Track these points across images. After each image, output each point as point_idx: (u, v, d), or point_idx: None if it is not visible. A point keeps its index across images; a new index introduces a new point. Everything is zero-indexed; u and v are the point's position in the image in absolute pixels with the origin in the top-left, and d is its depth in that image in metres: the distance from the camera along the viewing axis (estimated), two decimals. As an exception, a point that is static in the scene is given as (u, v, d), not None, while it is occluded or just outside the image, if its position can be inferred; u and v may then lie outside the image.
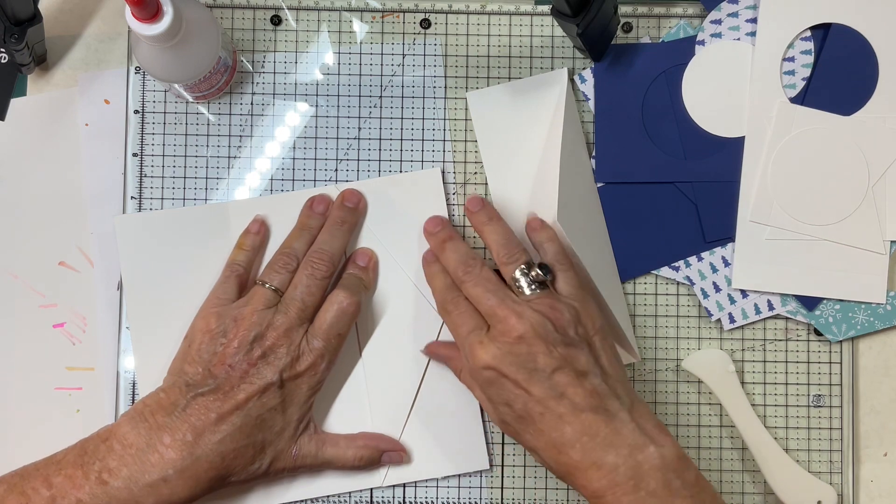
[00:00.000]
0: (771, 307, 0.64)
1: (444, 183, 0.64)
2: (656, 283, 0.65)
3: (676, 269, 0.64)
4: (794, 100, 0.64)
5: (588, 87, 0.65)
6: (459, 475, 0.64)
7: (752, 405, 0.64)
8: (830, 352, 0.65)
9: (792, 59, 0.64)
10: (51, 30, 0.64)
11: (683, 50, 0.65)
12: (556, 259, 0.58)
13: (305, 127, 0.65)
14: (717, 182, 0.64)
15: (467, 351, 0.56)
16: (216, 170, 0.65)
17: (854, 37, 0.64)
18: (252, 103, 0.65)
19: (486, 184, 0.65)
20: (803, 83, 0.64)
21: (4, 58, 0.62)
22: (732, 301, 0.64)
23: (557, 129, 0.62)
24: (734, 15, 0.64)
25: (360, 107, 0.65)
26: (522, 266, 0.57)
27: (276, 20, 0.65)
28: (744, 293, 0.64)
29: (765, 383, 0.65)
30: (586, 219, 0.63)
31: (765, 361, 0.65)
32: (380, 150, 0.65)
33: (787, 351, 0.65)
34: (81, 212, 0.64)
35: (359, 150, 0.65)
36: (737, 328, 0.65)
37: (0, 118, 0.62)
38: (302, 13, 0.65)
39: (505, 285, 0.57)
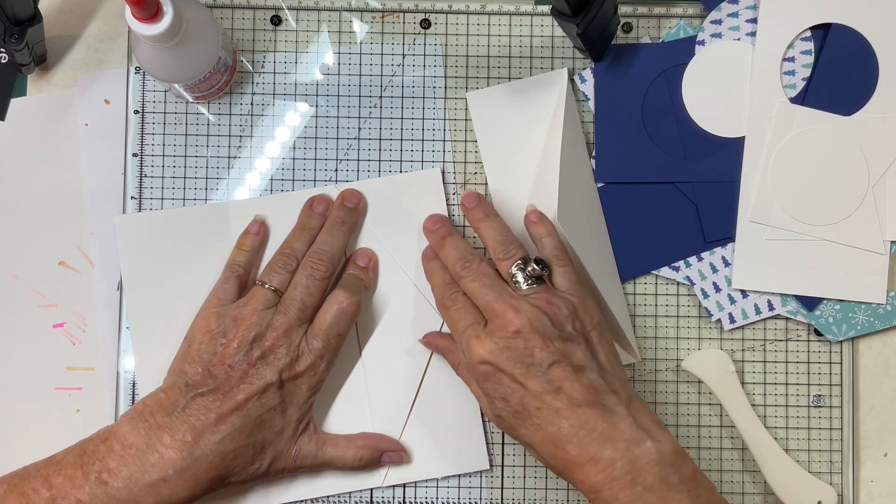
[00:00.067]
0: (771, 307, 0.64)
1: (444, 183, 0.64)
2: (656, 283, 0.65)
3: (676, 269, 0.64)
4: (794, 100, 0.64)
5: (588, 87, 0.65)
6: (459, 475, 0.64)
7: (752, 405, 0.64)
8: (830, 352, 0.65)
9: (792, 59, 0.64)
10: (51, 30, 0.64)
11: (683, 50, 0.65)
12: (555, 254, 0.58)
13: (305, 127, 0.65)
14: (717, 182, 0.64)
15: (464, 345, 0.56)
16: (216, 170, 0.65)
17: (854, 37, 0.64)
18: (252, 103, 0.65)
19: (486, 184, 0.65)
20: (803, 83, 0.64)
21: (4, 58, 0.62)
22: (732, 301, 0.64)
23: (557, 129, 0.62)
24: (734, 15, 0.64)
25: (360, 107, 0.65)
26: (519, 262, 0.57)
27: (276, 20, 0.65)
28: (744, 293, 0.64)
29: (765, 383, 0.65)
30: (586, 219, 0.63)
31: (765, 361, 0.65)
32: (380, 150, 0.65)
33: (787, 351, 0.65)
34: (81, 212, 0.64)
35: (359, 150, 0.65)
36: (737, 328, 0.65)
37: (0, 118, 0.62)
38: (302, 13, 0.65)
39: (503, 281, 0.58)
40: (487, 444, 0.64)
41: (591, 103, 0.65)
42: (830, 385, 0.65)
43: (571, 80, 0.65)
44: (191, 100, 0.64)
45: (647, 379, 0.65)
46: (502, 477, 0.64)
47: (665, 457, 0.52)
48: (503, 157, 0.64)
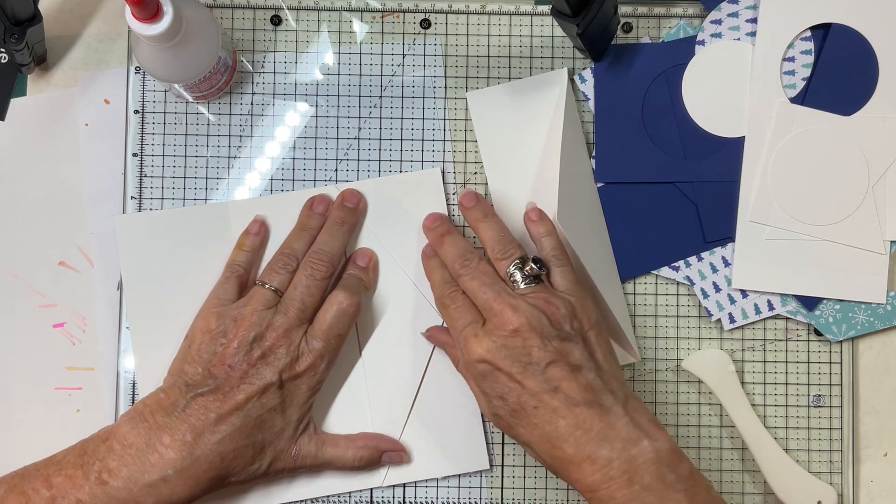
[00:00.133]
0: (771, 307, 0.64)
1: (444, 183, 0.64)
2: (656, 283, 0.65)
3: (676, 269, 0.64)
4: (794, 100, 0.64)
5: (588, 87, 0.65)
6: (459, 475, 0.64)
7: (752, 405, 0.64)
8: (830, 352, 0.65)
9: (792, 59, 0.64)
10: (51, 30, 0.64)
11: (683, 50, 0.65)
12: (553, 254, 0.58)
13: (305, 127, 0.65)
14: (717, 182, 0.64)
15: (462, 344, 0.56)
16: (216, 170, 0.65)
17: (854, 37, 0.64)
18: (252, 103, 0.65)
19: (486, 184, 0.65)
20: (803, 83, 0.64)
21: (4, 58, 0.62)
22: (732, 301, 0.64)
23: (557, 129, 0.63)
24: (734, 15, 0.64)
25: (360, 107, 0.65)
26: (517, 261, 0.57)
27: (276, 20, 0.65)
28: (744, 293, 0.64)
29: (765, 383, 0.65)
30: (586, 219, 0.63)
31: (765, 361, 0.65)
32: (380, 150, 0.65)
33: (787, 351, 0.65)
34: (81, 212, 0.64)
35: (359, 150, 0.65)
36: (737, 328, 0.65)
37: (0, 118, 0.62)
38: (302, 13, 0.65)
39: (502, 280, 0.58)
40: (487, 444, 0.64)
41: (591, 103, 0.65)
42: (830, 385, 0.65)
43: (571, 80, 0.65)
44: (191, 100, 0.64)
45: (647, 379, 0.65)
46: (502, 477, 0.64)
47: (662, 456, 0.52)
48: (503, 157, 0.64)
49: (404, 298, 0.64)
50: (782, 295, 0.64)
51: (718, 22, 0.64)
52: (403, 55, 0.65)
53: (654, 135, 0.64)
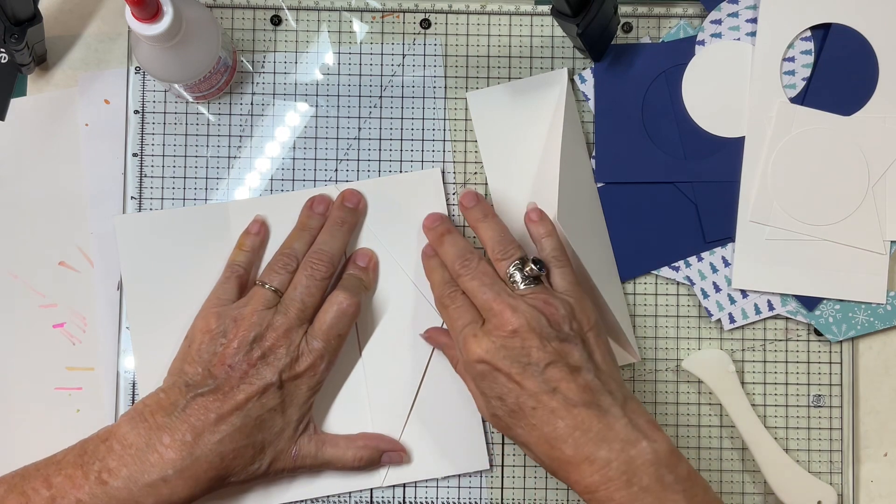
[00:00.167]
0: (771, 307, 0.64)
1: (444, 183, 0.64)
2: (656, 283, 0.65)
3: (676, 269, 0.64)
4: (794, 100, 0.64)
5: (588, 87, 0.65)
6: (459, 475, 0.64)
7: (752, 405, 0.64)
8: (830, 352, 0.65)
9: (792, 59, 0.64)
10: (51, 30, 0.64)
11: (683, 50, 0.65)
12: (553, 255, 0.58)
13: (305, 127, 0.65)
14: (717, 182, 0.64)
15: (461, 344, 0.56)
16: (216, 170, 0.65)
17: (854, 37, 0.64)
18: (252, 103, 0.65)
19: (486, 184, 0.65)
20: (803, 83, 0.64)
21: (4, 58, 0.62)
22: (732, 301, 0.64)
23: (557, 129, 0.63)
24: (734, 15, 0.64)
25: (360, 107, 0.65)
26: (517, 262, 0.57)
27: (276, 20, 0.65)
28: (744, 293, 0.64)
29: (765, 383, 0.65)
30: (586, 219, 0.63)
31: (765, 361, 0.65)
32: (380, 150, 0.65)
33: (787, 351, 0.65)
34: (81, 212, 0.65)
35: (359, 150, 0.65)
36: (737, 328, 0.65)
37: (0, 118, 0.62)
38: (302, 13, 0.65)
39: (502, 280, 0.58)
40: (487, 444, 0.64)
41: (591, 103, 0.65)
42: (830, 385, 0.65)
43: (571, 80, 0.65)
44: (191, 100, 0.64)
45: (647, 379, 0.65)
46: (502, 477, 0.64)
47: (660, 457, 0.52)
48: (503, 157, 0.64)
49: (404, 298, 0.64)
50: (782, 295, 0.64)
51: (718, 22, 0.64)
52: (403, 55, 0.65)
53: (654, 135, 0.64)
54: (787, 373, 0.65)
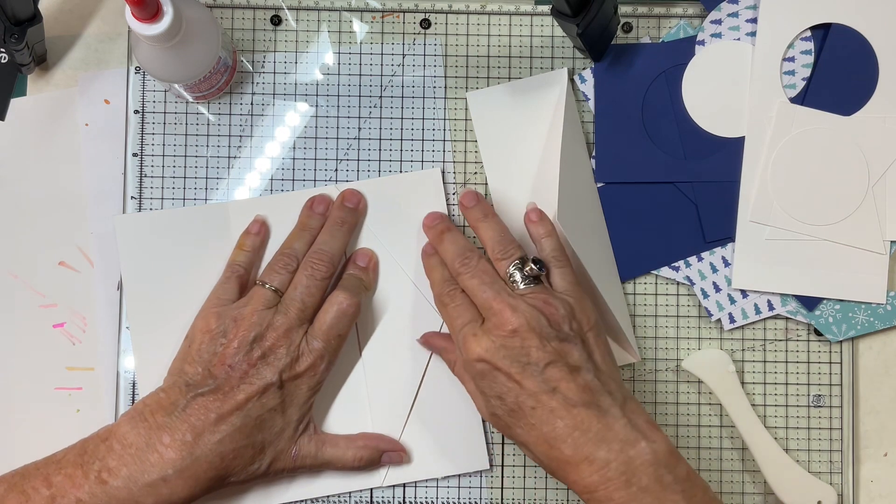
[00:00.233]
0: (771, 307, 0.64)
1: (444, 183, 0.64)
2: (656, 283, 0.65)
3: (676, 269, 0.64)
4: (794, 100, 0.64)
5: (588, 87, 0.65)
6: (459, 475, 0.64)
7: (752, 405, 0.64)
8: (830, 352, 0.65)
9: (792, 59, 0.64)
10: (51, 30, 0.64)
11: (683, 50, 0.65)
12: (553, 255, 0.58)
13: (305, 127, 0.65)
14: (717, 182, 0.64)
15: (461, 343, 0.56)
16: (216, 170, 0.65)
17: (854, 37, 0.64)
18: (252, 103, 0.65)
19: (486, 184, 0.65)
20: (803, 83, 0.64)
21: (4, 58, 0.62)
22: (732, 301, 0.64)
23: (557, 130, 0.63)
24: (734, 15, 0.64)
25: (360, 107, 0.65)
26: (517, 261, 0.57)
27: (276, 20, 0.65)
28: (744, 293, 0.64)
29: (765, 383, 0.65)
30: (586, 219, 0.63)
31: (765, 361, 0.65)
32: (380, 150, 0.65)
33: (787, 351, 0.65)
34: (81, 212, 0.65)
35: (359, 150, 0.65)
36: (737, 328, 0.65)
37: (0, 118, 0.62)
38: (302, 13, 0.65)
39: (501, 279, 0.58)
40: (487, 444, 0.64)
41: (591, 103, 0.65)
42: (830, 385, 0.65)
43: (571, 80, 0.65)
44: (191, 100, 0.64)
45: (647, 379, 0.65)
46: (502, 477, 0.64)
47: (659, 457, 0.52)
48: (503, 157, 0.64)
49: (404, 298, 0.64)
50: (782, 295, 0.64)
51: (718, 22, 0.64)
52: (403, 55, 0.65)
53: (654, 135, 0.64)
54: (787, 373, 0.65)
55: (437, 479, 0.64)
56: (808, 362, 0.65)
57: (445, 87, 0.65)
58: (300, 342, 0.58)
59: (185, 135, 0.65)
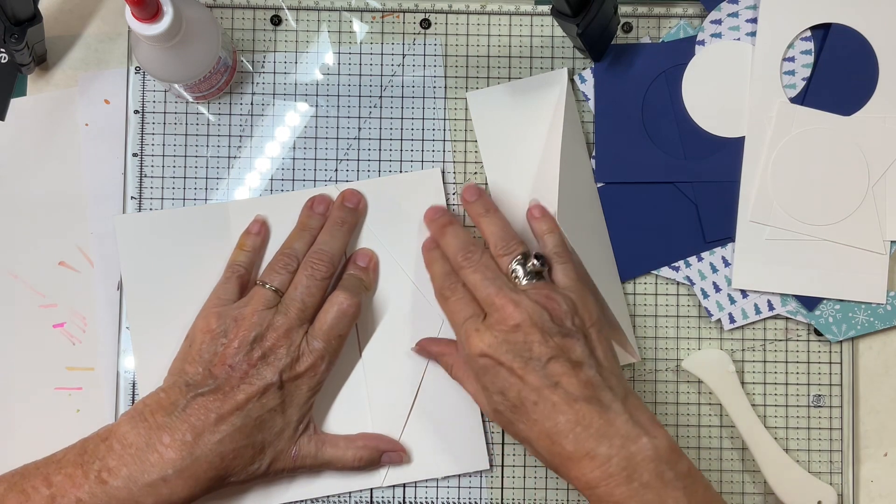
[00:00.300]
0: (771, 307, 0.64)
1: (444, 183, 0.64)
2: (656, 283, 0.65)
3: (676, 269, 0.64)
4: (794, 100, 0.64)
5: (588, 87, 0.65)
6: (459, 475, 0.64)
7: (752, 405, 0.64)
8: (830, 352, 0.65)
9: (792, 59, 0.64)
10: (51, 30, 0.64)
11: (683, 50, 0.65)
12: (556, 251, 0.59)
13: (305, 127, 0.65)
14: (717, 182, 0.64)
15: (463, 338, 0.56)
16: (216, 170, 0.65)
17: (854, 37, 0.64)
18: (252, 103, 0.65)
19: (486, 184, 0.65)
20: (803, 83, 0.64)
21: (4, 58, 0.62)
22: (732, 301, 0.64)
23: (558, 130, 0.63)
24: (734, 15, 0.64)
25: (360, 107, 0.65)
26: (519, 257, 0.57)
27: (276, 20, 0.65)
28: (744, 293, 0.64)
29: (765, 383, 0.65)
30: (586, 219, 0.63)
31: (765, 361, 0.65)
32: (380, 150, 0.65)
33: (787, 351, 0.65)
34: (81, 212, 0.65)
35: (359, 150, 0.65)
36: (737, 328, 0.65)
37: (0, 118, 0.62)
38: (302, 13, 0.65)
39: (504, 274, 0.58)
40: (487, 444, 0.64)
41: (591, 103, 0.65)
42: (830, 385, 0.65)
43: (571, 80, 0.65)
44: (191, 100, 0.64)
45: (647, 379, 0.65)
46: (502, 477, 0.64)
47: (661, 453, 0.52)
48: (503, 156, 0.64)
49: (404, 299, 0.64)
50: (782, 295, 0.64)
51: (718, 22, 0.64)
52: (403, 55, 0.65)
53: (654, 135, 0.64)
54: (787, 373, 0.65)
55: (437, 479, 0.64)
56: (808, 362, 0.65)
57: (445, 87, 0.65)
58: (300, 342, 0.58)
59: (185, 135, 0.65)
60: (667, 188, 0.64)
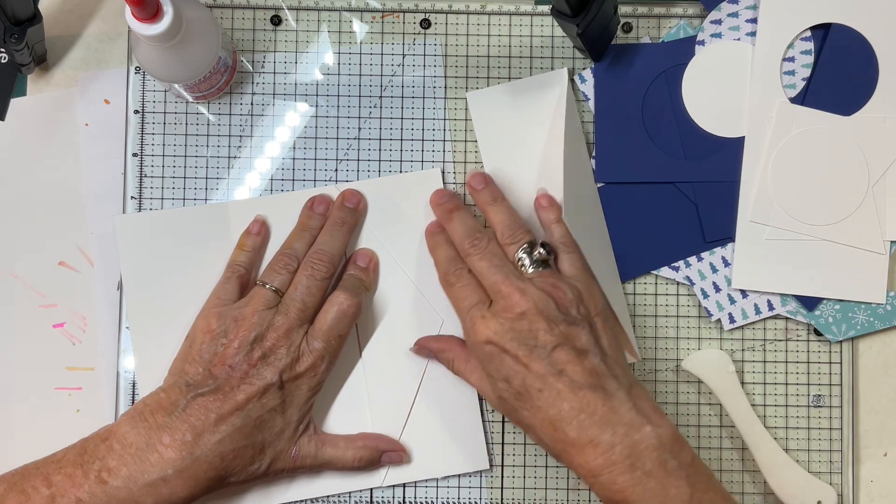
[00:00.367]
0: (771, 307, 0.64)
1: (444, 183, 0.64)
2: (656, 283, 0.65)
3: (676, 269, 0.64)
4: (794, 100, 0.64)
5: (588, 87, 0.65)
6: (459, 475, 0.64)
7: (752, 405, 0.64)
8: (830, 352, 0.65)
9: (792, 59, 0.64)
10: (51, 30, 0.64)
11: (683, 50, 0.65)
12: (562, 241, 0.59)
13: (305, 127, 0.65)
14: (717, 182, 0.64)
15: (468, 325, 0.56)
16: (216, 170, 0.65)
17: (854, 37, 0.64)
18: (252, 103, 0.65)
19: (486, 184, 0.65)
20: (803, 83, 0.64)
21: (4, 58, 0.62)
22: (732, 301, 0.64)
23: (559, 130, 0.63)
24: (734, 15, 0.64)
25: (360, 107, 0.65)
26: (525, 246, 0.58)
27: (276, 20, 0.65)
28: (744, 293, 0.64)
29: (765, 383, 0.65)
30: (587, 219, 0.63)
31: (765, 361, 0.65)
32: (380, 150, 0.65)
33: (787, 351, 0.65)
34: (81, 212, 0.65)
35: (359, 150, 0.65)
36: (737, 328, 0.65)
37: (0, 118, 0.62)
38: (302, 13, 0.65)
39: (510, 262, 0.58)
40: (487, 444, 0.64)
41: (591, 103, 0.65)
42: (830, 385, 0.65)
43: (571, 80, 0.65)
44: (191, 100, 0.64)
45: (647, 379, 0.65)
46: (502, 477, 0.64)
47: (664, 442, 0.52)
48: (503, 157, 0.64)
49: (405, 299, 0.64)
50: (782, 295, 0.64)
51: (718, 22, 0.64)
52: (403, 55, 0.65)
53: (654, 135, 0.64)
54: (787, 373, 0.65)
55: (437, 479, 0.64)
56: (808, 362, 0.65)
57: (445, 87, 0.65)
58: (300, 342, 0.58)
59: (185, 135, 0.65)
60: (667, 188, 0.64)
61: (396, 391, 0.63)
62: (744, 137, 0.64)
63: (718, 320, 0.64)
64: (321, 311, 0.60)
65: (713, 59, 0.64)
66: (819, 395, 0.65)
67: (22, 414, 0.64)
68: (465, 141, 0.65)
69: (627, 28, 0.65)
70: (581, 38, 0.59)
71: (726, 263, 0.64)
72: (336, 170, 0.65)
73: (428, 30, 0.65)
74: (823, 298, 0.64)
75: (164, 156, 0.65)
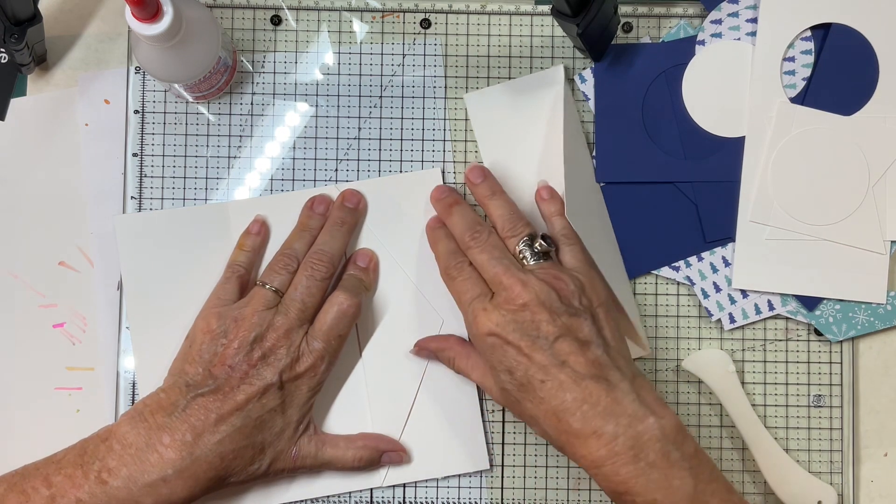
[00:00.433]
0: (771, 307, 0.64)
1: (444, 183, 0.64)
2: (656, 283, 0.65)
3: (676, 269, 0.64)
4: (794, 100, 0.64)
5: (588, 87, 0.65)
6: (459, 475, 0.64)
7: (752, 405, 0.64)
8: (830, 352, 0.65)
9: (792, 59, 0.64)
10: (51, 30, 0.64)
11: (683, 50, 0.65)
12: (563, 233, 0.59)
13: (305, 127, 0.65)
14: (717, 182, 0.64)
15: (470, 317, 0.56)
16: (216, 170, 0.65)
17: (854, 37, 0.64)
18: (252, 103, 0.65)
19: (486, 184, 0.65)
20: (803, 83, 0.64)
21: (4, 58, 0.62)
22: (732, 301, 0.64)
23: (558, 128, 0.63)
24: (734, 15, 0.64)
25: (360, 107, 0.65)
26: (526, 238, 0.58)
27: (276, 20, 0.65)
28: (744, 293, 0.64)
29: (765, 383, 0.65)
30: (592, 216, 0.63)
31: (765, 361, 0.65)
32: (380, 150, 0.65)
33: (787, 351, 0.65)
34: (81, 212, 0.65)
35: (359, 150, 0.65)
36: (737, 328, 0.65)
37: (0, 118, 0.62)
38: (302, 13, 0.65)
39: (511, 254, 0.58)
40: (487, 444, 0.64)
41: (591, 103, 0.65)
42: (830, 385, 0.65)
43: (570, 79, 0.65)
44: (191, 100, 0.64)
45: (647, 378, 0.64)
46: (502, 477, 0.64)
47: (667, 433, 0.52)
48: (503, 156, 0.64)
49: (404, 299, 0.64)
50: (782, 295, 0.64)
51: (718, 22, 0.64)
52: (403, 55, 0.65)
53: (654, 135, 0.64)
54: (787, 373, 0.65)
55: (437, 479, 0.64)
56: (809, 362, 0.65)
57: (445, 87, 0.65)
58: (300, 343, 0.58)
59: (185, 135, 0.65)
60: (667, 188, 0.64)
61: (396, 391, 0.63)
62: (744, 137, 0.64)
63: (719, 320, 0.64)
64: (321, 312, 0.60)
65: (713, 59, 0.64)
66: (819, 395, 0.65)
67: (22, 414, 0.64)
68: (465, 141, 0.65)
69: (627, 28, 0.65)
70: (581, 38, 0.59)
71: (726, 263, 0.64)
72: (336, 170, 0.65)
73: (428, 30, 0.65)
74: (824, 298, 0.64)
75: (164, 156, 0.65)
